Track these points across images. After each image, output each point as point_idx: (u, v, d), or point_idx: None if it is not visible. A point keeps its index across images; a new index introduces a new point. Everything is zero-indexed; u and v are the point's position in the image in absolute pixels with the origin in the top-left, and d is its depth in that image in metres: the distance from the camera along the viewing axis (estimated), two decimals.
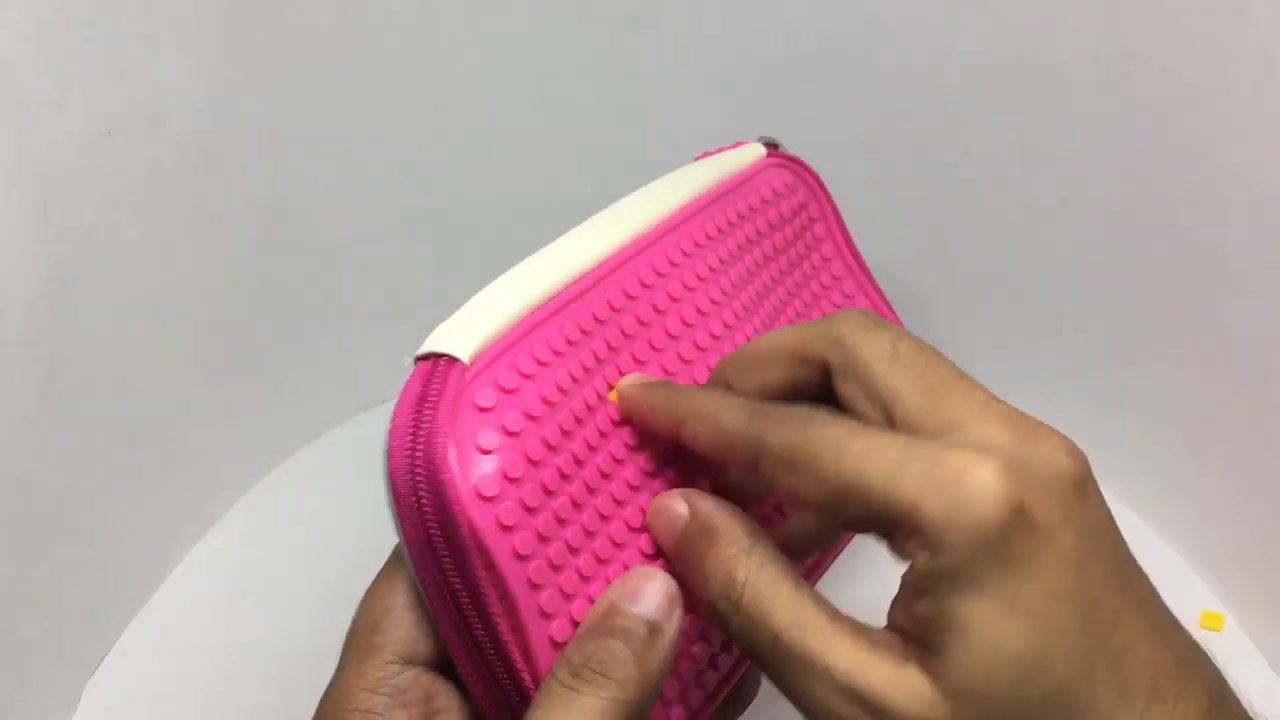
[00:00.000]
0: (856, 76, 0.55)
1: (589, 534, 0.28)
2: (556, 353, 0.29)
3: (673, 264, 0.33)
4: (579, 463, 0.29)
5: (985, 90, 0.53)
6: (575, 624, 0.28)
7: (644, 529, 0.30)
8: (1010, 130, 0.54)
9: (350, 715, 0.27)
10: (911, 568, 0.24)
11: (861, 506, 0.24)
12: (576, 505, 0.28)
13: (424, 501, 0.26)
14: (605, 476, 0.29)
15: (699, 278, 0.34)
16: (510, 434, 0.27)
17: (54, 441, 0.44)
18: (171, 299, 0.50)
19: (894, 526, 0.24)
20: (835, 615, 0.25)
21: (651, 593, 0.27)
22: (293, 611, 0.52)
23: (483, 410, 0.27)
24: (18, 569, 0.44)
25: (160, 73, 0.46)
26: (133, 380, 0.49)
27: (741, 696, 0.34)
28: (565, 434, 0.28)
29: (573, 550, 0.28)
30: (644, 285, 0.32)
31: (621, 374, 0.31)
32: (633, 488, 0.30)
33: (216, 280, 0.52)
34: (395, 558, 0.29)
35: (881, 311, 0.41)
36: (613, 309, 0.31)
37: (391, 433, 0.27)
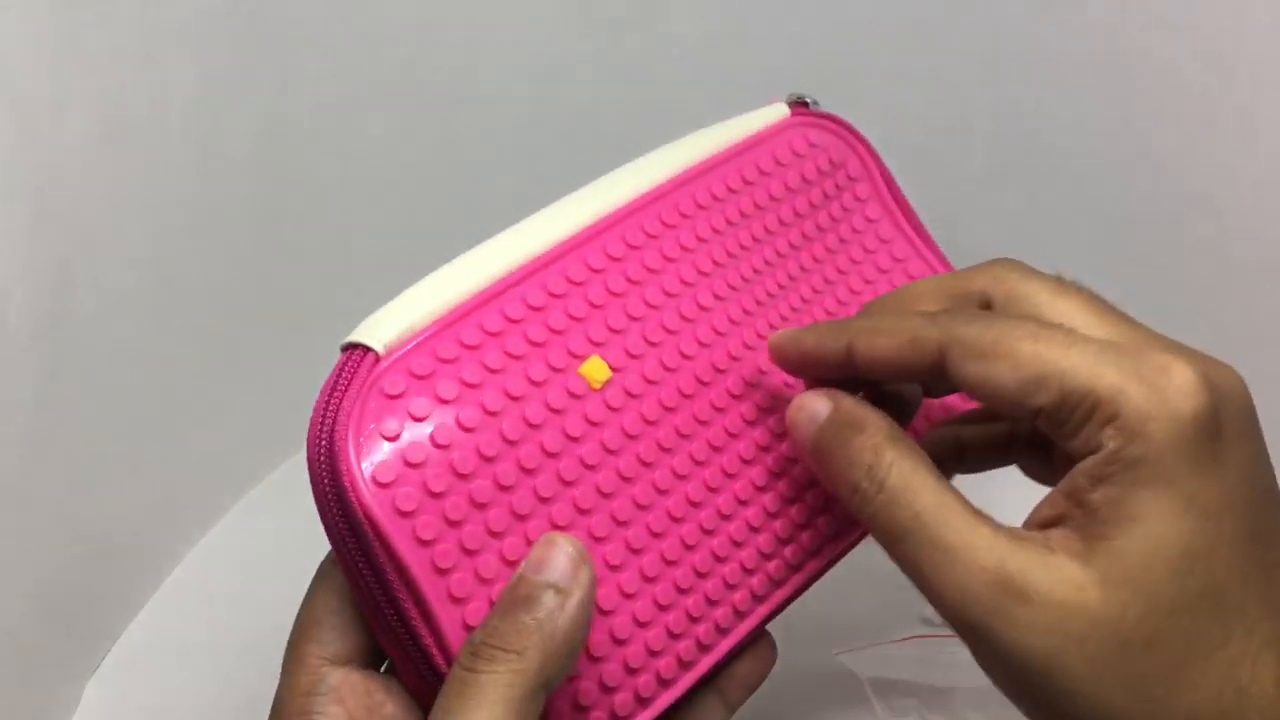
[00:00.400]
0: (856, 76, 0.55)
1: (520, 516, 0.28)
2: (490, 333, 0.29)
3: (649, 235, 0.32)
4: (510, 442, 0.28)
5: (985, 89, 0.53)
6: (493, 605, 0.27)
7: (591, 511, 0.29)
8: (1009, 130, 0.54)
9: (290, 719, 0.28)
10: (1093, 456, 0.24)
11: (1056, 391, 0.24)
12: (504, 487, 0.28)
13: (328, 488, 0.27)
14: (551, 455, 0.28)
15: (683, 247, 0.33)
16: (417, 419, 0.27)
17: (54, 441, 0.44)
18: (171, 298, 0.50)
19: (1090, 413, 0.24)
20: (976, 509, 0.26)
21: (555, 557, 0.27)
22: (293, 611, 0.51)
23: (391, 397, 0.27)
24: (18, 569, 0.44)
25: (160, 73, 0.46)
26: (132, 380, 0.49)
27: (741, 678, 0.33)
28: (492, 414, 0.28)
29: (495, 534, 0.27)
30: (611, 257, 0.31)
31: (591, 342, 0.30)
32: (588, 466, 0.29)
33: (216, 280, 0.52)
34: (324, 564, 0.30)
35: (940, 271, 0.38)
36: (571, 282, 0.30)
37: (310, 420, 0.27)
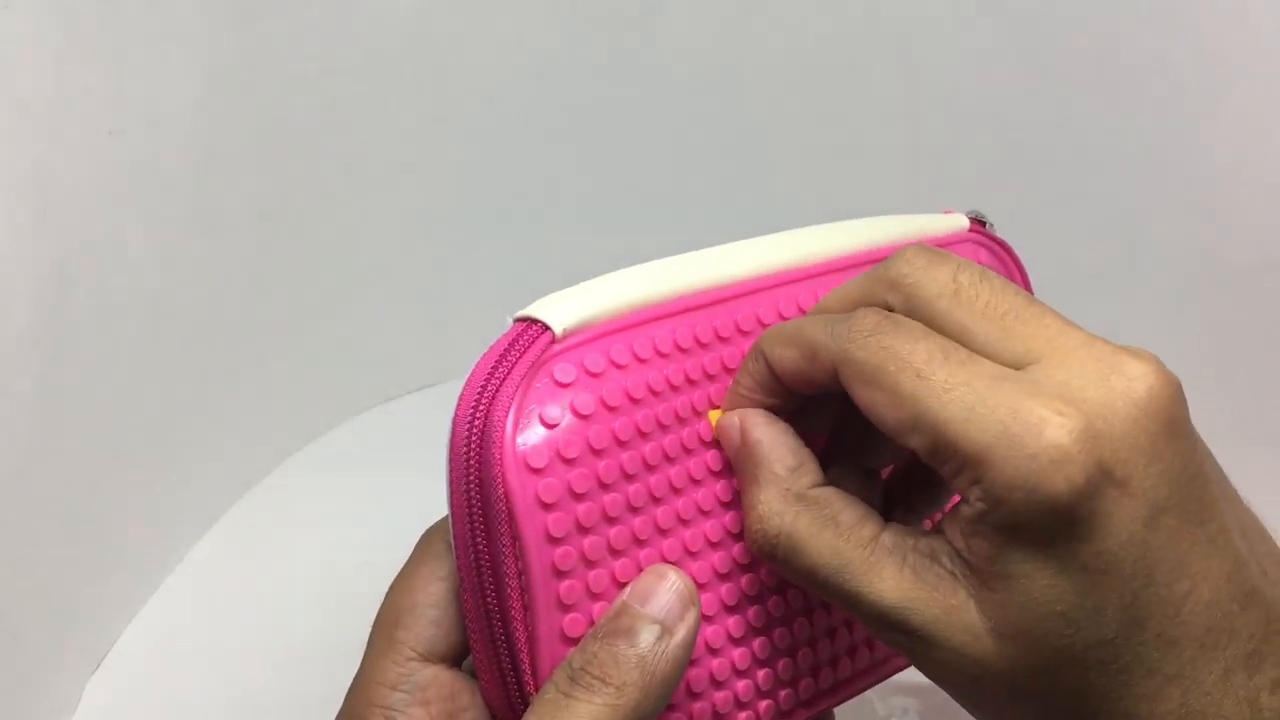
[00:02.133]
0: (856, 76, 0.55)
1: (639, 541, 0.28)
2: (661, 353, 0.29)
3: None
4: (650, 467, 0.28)
5: (985, 90, 0.53)
6: (592, 623, 0.27)
7: (698, 555, 0.29)
8: (1009, 129, 0.54)
9: (369, 711, 0.27)
10: (964, 506, 0.24)
11: (930, 438, 0.24)
12: (633, 508, 0.28)
13: (472, 455, 0.26)
14: (676, 491, 0.28)
15: None
16: (579, 416, 0.27)
17: (53, 441, 0.44)
18: (171, 299, 0.50)
19: (958, 469, 0.23)
20: (876, 547, 0.25)
21: (662, 593, 0.27)
22: (292, 611, 0.52)
23: (559, 385, 0.27)
24: (18, 569, 0.44)
25: (160, 73, 0.46)
26: (132, 379, 0.49)
27: None
28: (642, 434, 0.28)
29: (614, 551, 0.27)
30: (782, 317, 0.31)
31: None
32: (702, 512, 0.29)
33: (216, 280, 0.52)
34: (421, 551, 0.29)
35: None
36: (740, 331, 0.30)
37: (467, 381, 0.27)
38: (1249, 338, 0.49)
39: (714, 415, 0.30)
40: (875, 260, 0.33)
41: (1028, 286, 0.37)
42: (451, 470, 0.26)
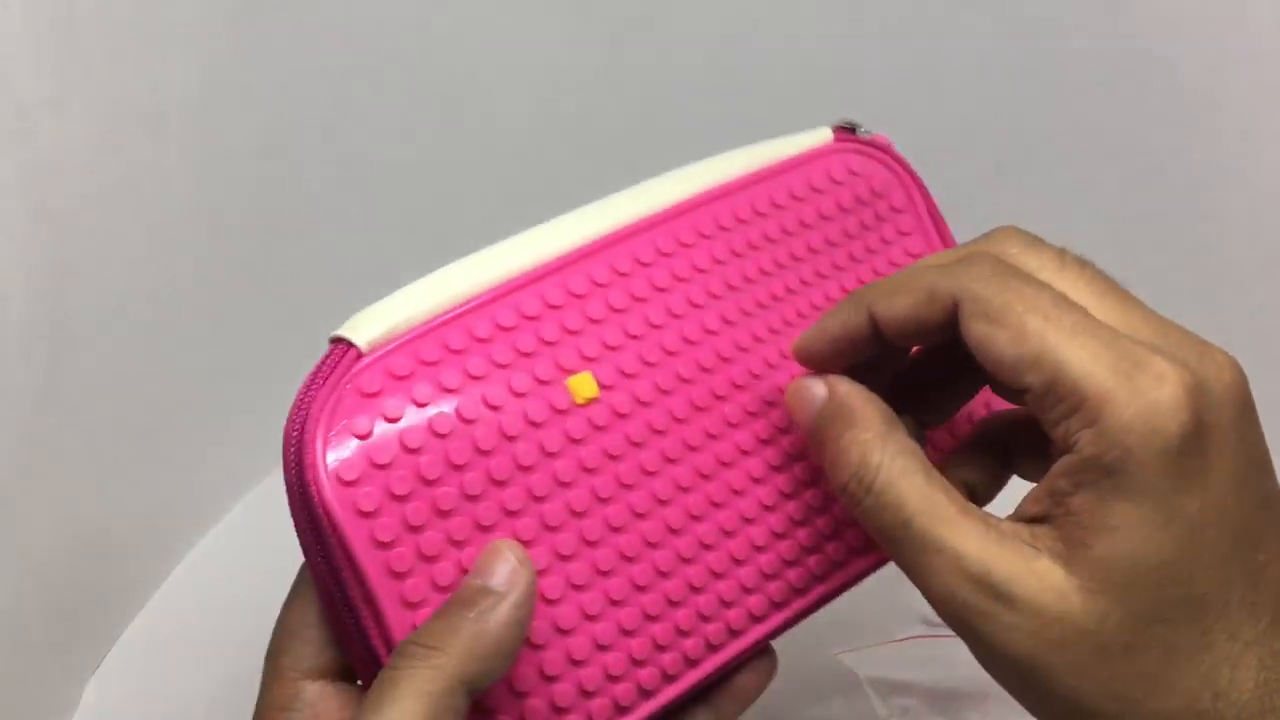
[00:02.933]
0: (856, 75, 0.55)
1: (483, 528, 0.27)
2: (478, 339, 0.28)
3: (662, 253, 0.31)
4: (482, 452, 0.28)
5: (985, 89, 0.53)
6: None
7: (561, 528, 0.28)
8: (1009, 129, 0.54)
9: None
10: (1070, 455, 0.24)
11: (1049, 376, 0.24)
12: (469, 496, 0.27)
13: (295, 482, 0.27)
14: (523, 469, 0.28)
15: (696, 268, 0.32)
16: (389, 419, 0.27)
17: (53, 441, 0.44)
18: (171, 298, 0.50)
19: (1074, 409, 0.24)
20: (965, 506, 0.26)
21: (495, 563, 0.27)
22: None
23: (366, 395, 0.27)
24: (18, 568, 0.44)
25: (160, 73, 0.46)
26: (132, 380, 0.49)
27: (736, 692, 0.33)
28: (466, 421, 0.28)
29: (455, 542, 0.27)
30: (618, 273, 0.31)
31: (584, 358, 0.29)
32: (562, 483, 0.28)
33: (216, 280, 0.52)
34: (299, 576, 0.30)
35: None
36: (571, 294, 0.30)
37: (289, 412, 0.27)
38: (1249, 338, 0.49)
39: (575, 381, 0.29)
40: (731, 192, 0.33)
41: (921, 187, 0.36)
42: (290, 505, 0.27)
